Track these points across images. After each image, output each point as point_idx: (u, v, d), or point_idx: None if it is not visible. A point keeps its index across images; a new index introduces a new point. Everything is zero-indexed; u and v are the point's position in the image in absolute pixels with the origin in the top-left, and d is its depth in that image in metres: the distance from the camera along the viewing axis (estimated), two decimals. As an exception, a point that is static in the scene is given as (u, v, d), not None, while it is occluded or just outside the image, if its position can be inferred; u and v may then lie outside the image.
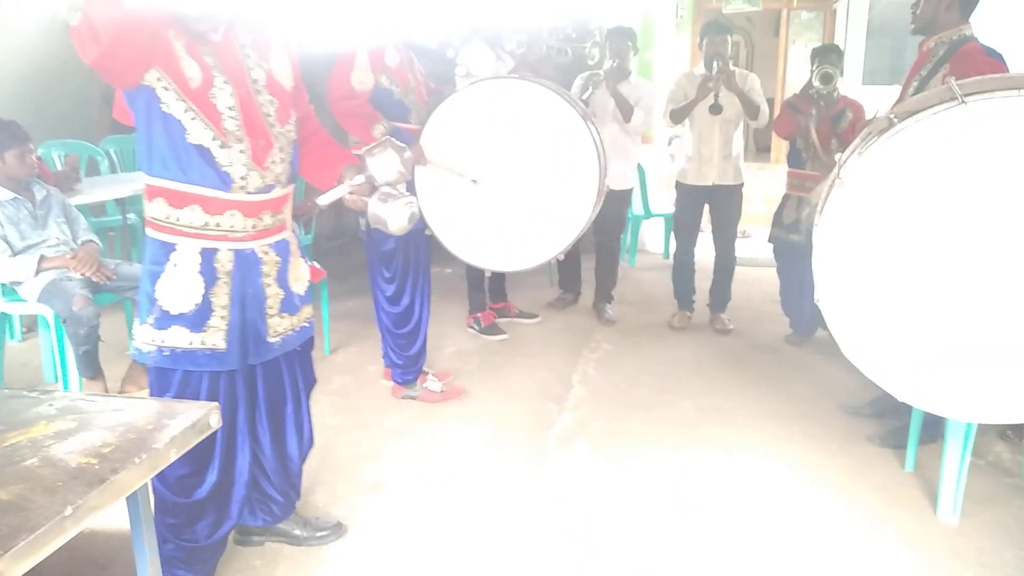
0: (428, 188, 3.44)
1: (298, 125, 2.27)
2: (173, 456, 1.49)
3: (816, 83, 4.01)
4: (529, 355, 4.30)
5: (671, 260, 4.94)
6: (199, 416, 1.57)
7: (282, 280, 2.23)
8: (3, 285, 3.61)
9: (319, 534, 2.54)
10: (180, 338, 2.06)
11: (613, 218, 4.72)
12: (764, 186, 6.85)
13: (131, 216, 4.97)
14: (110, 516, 1.41)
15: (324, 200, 2.31)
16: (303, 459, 2.49)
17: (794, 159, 4.28)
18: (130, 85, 1.90)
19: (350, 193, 2.26)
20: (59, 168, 4.83)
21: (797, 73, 7.65)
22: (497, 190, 3.42)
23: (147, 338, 2.08)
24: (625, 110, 4.50)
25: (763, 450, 3.16)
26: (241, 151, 2.02)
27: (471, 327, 4.63)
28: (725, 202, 4.59)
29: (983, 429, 2.77)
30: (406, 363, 3.64)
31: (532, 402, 3.67)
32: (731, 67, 4.25)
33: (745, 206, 4.73)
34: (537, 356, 4.29)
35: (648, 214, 6.38)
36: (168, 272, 2.04)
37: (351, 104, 3.19)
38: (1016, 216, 2.16)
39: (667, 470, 3.02)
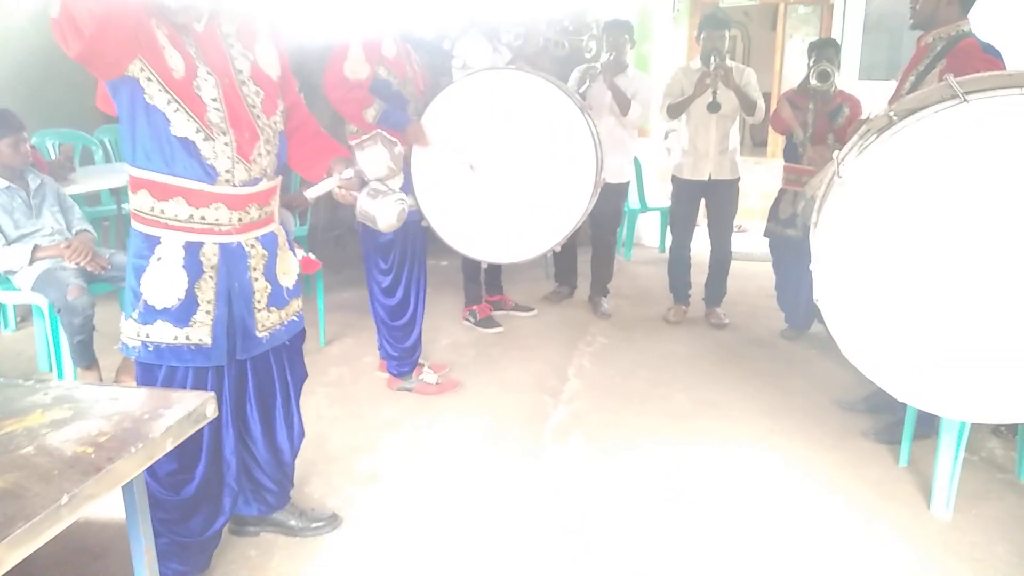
0: (425, 180, 3.43)
1: (286, 115, 2.24)
2: (169, 445, 1.49)
3: (814, 81, 4.01)
4: (525, 348, 4.31)
5: (667, 254, 4.94)
6: (195, 406, 1.57)
7: (270, 274, 2.21)
8: (-3, 274, 3.60)
9: (314, 525, 2.54)
10: (164, 333, 2.03)
11: (609, 211, 4.72)
12: (760, 181, 6.85)
13: (126, 206, 4.92)
14: (105, 506, 1.40)
15: (312, 194, 2.26)
16: (295, 452, 2.49)
17: (790, 154, 4.28)
18: (114, 76, 1.86)
19: (339, 187, 2.22)
20: (53, 157, 4.81)
21: (794, 67, 7.65)
22: (494, 182, 3.42)
23: (132, 332, 2.05)
24: (622, 103, 4.50)
25: (757, 444, 3.17)
26: (226, 144, 1.99)
27: (467, 320, 4.63)
28: (721, 197, 4.59)
29: (977, 425, 2.78)
30: (402, 355, 3.64)
31: (527, 395, 3.67)
32: (728, 62, 4.25)
33: (741, 201, 4.74)
34: (533, 349, 4.29)
35: (644, 208, 6.38)
36: (152, 266, 2.01)
37: (343, 92, 3.19)
38: (1016, 216, 2.14)
39: (662, 463, 3.03)
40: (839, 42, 5.24)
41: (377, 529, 2.59)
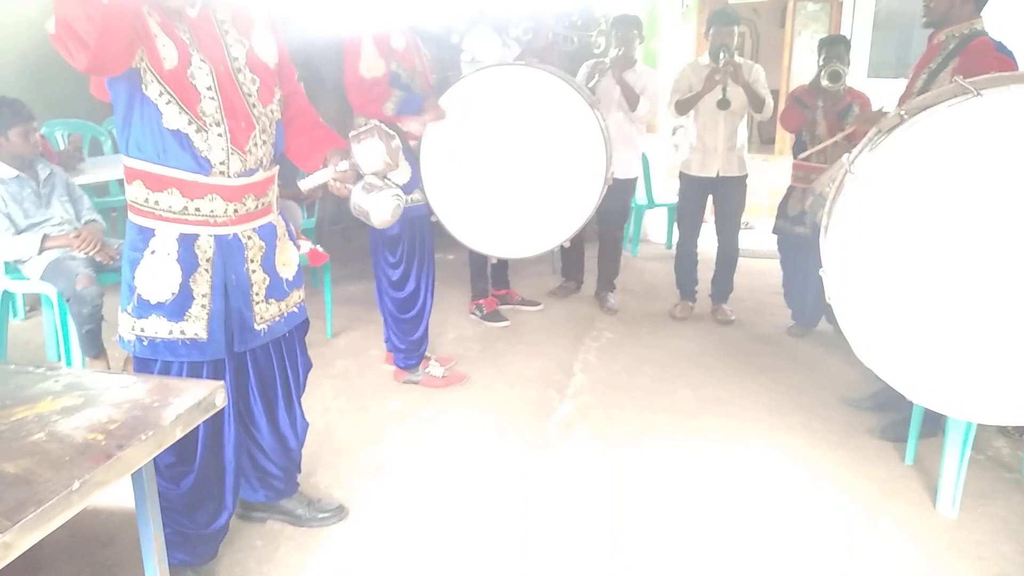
0: (434, 174, 3.43)
1: (283, 104, 2.20)
2: (179, 434, 1.50)
3: (825, 82, 3.98)
4: (531, 342, 4.31)
5: (674, 250, 4.94)
6: (205, 394, 1.58)
7: (268, 265, 2.18)
8: (6, 263, 3.62)
9: (321, 516, 2.55)
10: (159, 327, 2.01)
11: (617, 207, 4.71)
12: (768, 178, 6.85)
13: (134, 197, 4.96)
14: (112, 494, 1.41)
15: (306, 185, 2.23)
16: (300, 441, 2.49)
17: (800, 151, 4.26)
18: (122, 72, 1.82)
19: (334, 180, 2.17)
20: (63, 147, 4.83)
21: (802, 65, 7.63)
22: (503, 177, 3.42)
23: (127, 326, 2.04)
24: (631, 98, 4.49)
25: (763, 441, 3.17)
26: (219, 134, 1.95)
27: (473, 313, 4.64)
28: (729, 193, 4.59)
29: (983, 424, 2.77)
30: (409, 348, 3.65)
31: (533, 389, 3.68)
32: (736, 59, 4.24)
33: (748, 197, 4.72)
34: (539, 343, 4.29)
35: (651, 203, 6.37)
36: (146, 259, 1.99)
37: (363, 93, 3.18)
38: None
39: (666, 459, 3.03)
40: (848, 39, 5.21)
41: (382, 521, 2.60)
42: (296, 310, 2.33)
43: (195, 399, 1.55)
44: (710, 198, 4.66)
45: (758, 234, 6.45)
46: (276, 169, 2.19)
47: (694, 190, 4.63)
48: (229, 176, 2.00)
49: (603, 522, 2.61)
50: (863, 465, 2.98)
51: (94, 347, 3.49)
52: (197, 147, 1.93)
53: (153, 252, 1.98)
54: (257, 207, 2.11)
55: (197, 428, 2.03)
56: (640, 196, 6.07)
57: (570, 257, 5.17)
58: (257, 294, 2.15)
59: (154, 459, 1.50)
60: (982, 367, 2.26)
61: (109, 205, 5.08)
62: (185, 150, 1.92)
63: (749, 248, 5.21)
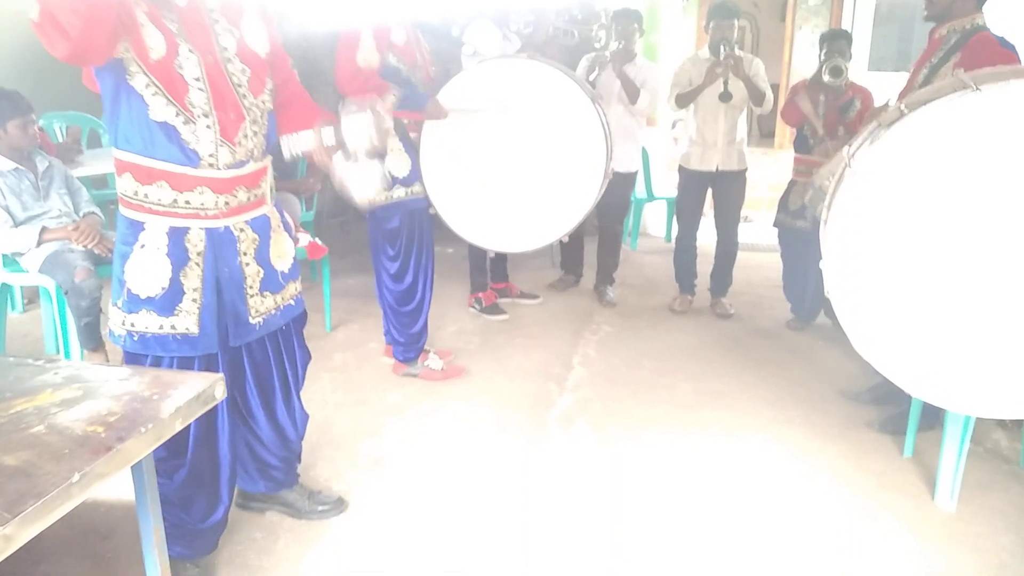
0: (433, 167, 3.42)
1: (278, 91, 2.17)
2: (178, 426, 1.50)
3: (827, 77, 3.96)
4: (530, 336, 4.31)
5: (673, 244, 4.94)
6: (204, 387, 1.58)
7: (262, 258, 2.15)
8: (5, 256, 3.61)
9: (320, 508, 2.55)
10: (149, 322, 1.99)
11: (617, 200, 4.70)
12: (767, 172, 6.84)
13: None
14: (111, 487, 1.41)
15: (288, 149, 2.17)
16: (300, 434, 2.49)
17: (801, 145, 4.26)
18: (102, 63, 1.80)
19: (317, 149, 2.11)
20: (61, 140, 4.82)
21: (803, 59, 7.61)
22: (503, 170, 3.41)
23: (118, 320, 2.01)
24: (631, 92, 4.48)
25: (762, 434, 3.17)
26: (208, 126, 1.92)
27: (472, 307, 4.64)
28: (728, 187, 4.58)
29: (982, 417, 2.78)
30: (408, 341, 3.65)
31: (532, 382, 3.68)
32: (737, 52, 4.23)
33: (748, 191, 4.72)
34: (538, 337, 4.29)
35: (651, 197, 6.37)
36: (135, 254, 1.96)
37: (360, 82, 3.17)
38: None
39: (666, 452, 3.03)
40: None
41: (381, 514, 2.60)
42: (293, 302, 2.30)
43: (195, 391, 1.55)
44: (709, 192, 4.66)
45: (757, 228, 6.45)
46: (268, 160, 2.16)
47: (693, 184, 4.62)
48: (219, 168, 1.97)
49: (602, 515, 2.61)
50: (862, 458, 2.98)
51: (93, 340, 3.48)
52: (185, 139, 1.90)
53: (143, 246, 1.96)
54: (249, 199, 2.08)
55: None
56: (639, 190, 6.06)
57: (569, 251, 5.17)
58: (251, 287, 2.13)
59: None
60: (981, 361, 2.26)
61: (108, 198, 5.06)
62: (173, 142, 1.89)
63: (748, 242, 5.21)
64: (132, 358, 2.04)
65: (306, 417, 2.49)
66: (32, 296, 4.55)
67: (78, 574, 2.28)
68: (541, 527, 2.54)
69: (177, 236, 1.97)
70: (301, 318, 2.38)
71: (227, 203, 2.02)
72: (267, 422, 2.35)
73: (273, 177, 2.23)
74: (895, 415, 3.14)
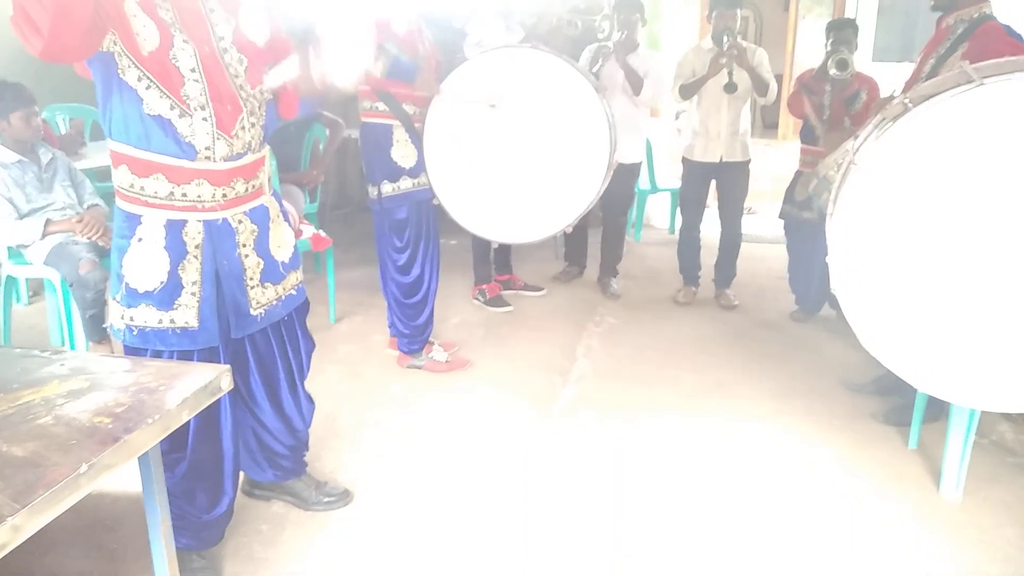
0: (437, 158, 3.41)
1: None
2: (185, 417, 1.50)
3: (832, 71, 3.92)
4: (534, 328, 4.31)
5: (676, 235, 4.93)
6: (211, 378, 1.58)
7: (262, 249, 2.13)
8: (9, 248, 3.61)
9: (326, 499, 2.55)
10: (148, 316, 1.97)
11: (621, 192, 4.69)
12: (771, 163, 6.81)
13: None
14: (118, 478, 1.41)
15: (271, 80, 2.09)
16: (307, 423, 2.48)
17: (807, 136, 4.24)
18: (83, 58, 1.77)
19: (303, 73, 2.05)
20: (64, 131, 4.82)
21: (806, 49, 7.57)
22: (506, 161, 3.40)
23: (117, 315, 2.00)
24: (635, 82, 4.47)
25: (766, 425, 3.17)
26: (204, 119, 1.89)
27: (476, 299, 4.64)
28: (732, 179, 4.57)
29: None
30: (413, 333, 3.65)
31: (536, 374, 3.68)
32: (740, 42, 4.21)
33: (752, 183, 4.70)
34: (542, 329, 4.29)
35: (654, 188, 6.35)
36: (133, 247, 1.94)
37: None
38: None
39: (670, 443, 3.03)
40: (853, 23, 5.17)
41: (385, 505, 2.61)
42: (294, 292, 2.28)
43: (201, 382, 1.55)
44: (713, 183, 4.64)
45: (761, 219, 6.44)
46: (266, 150, 2.14)
47: (697, 175, 4.61)
48: (216, 161, 1.95)
49: (606, 505, 2.61)
50: (866, 449, 2.98)
51: (98, 332, 3.48)
52: (181, 132, 1.88)
53: (140, 240, 1.94)
54: (247, 190, 2.06)
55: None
56: (643, 181, 6.05)
57: (573, 242, 5.16)
58: (251, 279, 2.11)
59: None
60: (986, 355, 2.26)
61: (111, 190, 5.03)
62: (168, 136, 1.87)
63: (752, 233, 5.20)
64: (132, 352, 2.03)
65: (312, 406, 2.49)
66: (37, 288, 4.55)
67: (84, 565, 2.29)
68: (545, 519, 2.54)
69: (175, 229, 1.95)
70: (303, 307, 2.37)
71: (225, 195, 2.00)
72: (273, 412, 2.34)
73: (275, 169, 2.21)
74: (899, 406, 3.14)
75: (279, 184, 4.14)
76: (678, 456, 2.94)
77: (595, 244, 5.07)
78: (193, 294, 2.00)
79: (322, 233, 4.15)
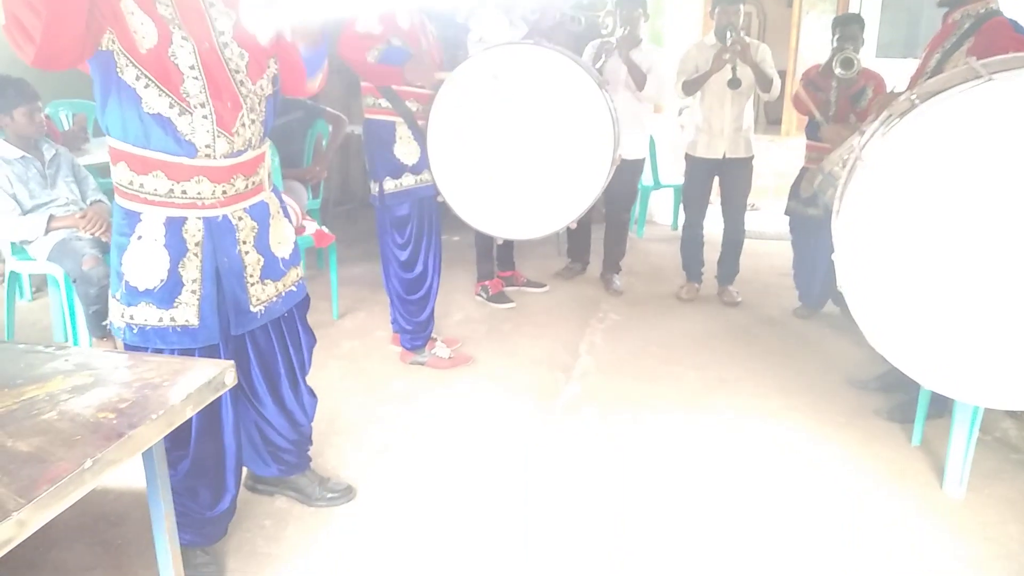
0: (440, 155, 3.41)
1: (278, 78, 2.10)
2: (189, 412, 1.50)
3: (838, 70, 3.90)
4: (537, 324, 4.31)
5: (679, 232, 4.92)
6: (215, 373, 1.58)
7: (262, 245, 2.11)
8: (13, 244, 3.62)
9: (330, 495, 2.56)
10: (148, 315, 1.96)
11: (624, 188, 4.69)
12: (774, 159, 6.79)
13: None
14: (121, 474, 1.41)
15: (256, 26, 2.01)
16: (310, 417, 2.49)
17: (812, 131, 4.22)
18: (76, 63, 1.74)
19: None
20: (67, 127, 4.82)
21: (810, 45, 7.55)
22: (510, 158, 3.39)
23: (117, 313, 1.99)
24: (638, 78, 4.46)
25: (769, 422, 3.17)
26: (204, 116, 1.87)
27: (479, 295, 4.63)
28: (735, 175, 4.56)
29: (991, 406, 2.77)
30: (415, 329, 3.65)
31: (539, 370, 3.68)
32: (743, 38, 4.20)
33: (755, 179, 4.70)
34: (544, 325, 4.29)
35: (657, 185, 6.34)
36: (132, 245, 1.92)
37: (356, 42, 3.14)
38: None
39: (672, 439, 3.03)
40: (857, 18, 5.15)
41: (388, 501, 2.61)
42: (295, 288, 2.27)
43: (205, 378, 1.55)
44: (716, 180, 4.64)
45: (764, 215, 6.43)
46: (267, 146, 2.12)
47: (700, 172, 4.60)
48: (216, 158, 1.93)
49: (609, 501, 2.61)
50: (870, 446, 2.98)
51: (101, 328, 3.48)
52: (181, 131, 1.86)
53: (140, 237, 1.93)
54: (247, 187, 2.04)
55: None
56: (646, 177, 6.03)
57: (576, 239, 5.16)
58: (251, 276, 2.10)
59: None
60: (991, 352, 2.25)
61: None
62: (168, 134, 1.85)
63: (755, 230, 5.20)
64: (132, 351, 2.01)
65: (315, 400, 2.49)
66: (40, 284, 4.56)
67: (88, 560, 2.29)
68: (547, 515, 2.54)
69: (174, 226, 1.94)
70: (304, 303, 2.36)
71: (225, 192, 1.99)
72: (275, 407, 2.34)
73: (278, 165, 2.20)
74: (903, 403, 3.13)
75: (282, 180, 4.14)
76: (681, 452, 2.94)
77: (598, 240, 5.07)
78: (193, 292, 1.99)
79: (325, 229, 4.15)
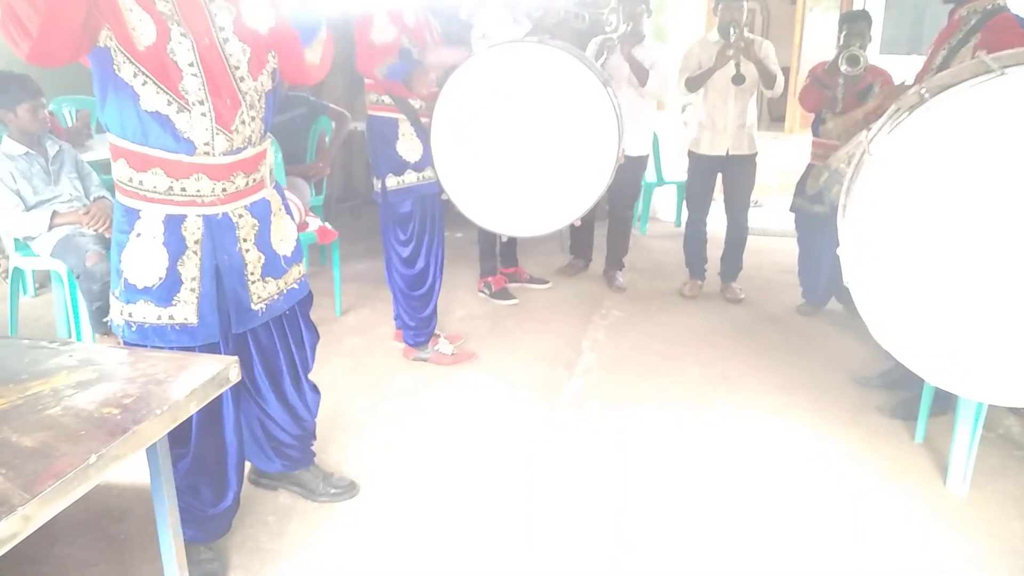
0: (445, 152, 3.40)
1: (279, 74, 2.08)
2: (193, 408, 1.50)
3: (844, 67, 3.88)
4: (539, 320, 4.31)
5: (683, 228, 4.92)
6: (218, 369, 1.57)
7: (263, 243, 2.10)
8: (16, 240, 3.62)
9: (333, 491, 2.56)
10: (147, 313, 1.95)
11: (628, 185, 4.68)
12: (778, 156, 6.78)
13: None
14: (125, 469, 1.41)
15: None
16: (313, 413, 2.49)
17: (818, 129, 4.21)
18: (72, 60, 1.74)
19: None
20: (71, 124, 4.82)
21: (814, 42, 7.52)
22: (514, 155, 3.39)
23: (116, 310, 1.98)
24: (640, 75, 4.45)
25: (772, 418, 3.17)
26: (203, 114, 1.85)
27: (482, 291, 4.63)
28: (738, 172, 4.55)
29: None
30: (418, 325, 3.65)
31: (542, 367, 3.68)
32: (746, 34, 4.19)
33: (758, 176, 4.68)
34: (547, 322, 4.29)
35: (661, 181, 6.33)
36: (132, 243, 1.92)
37: (373, 56, 3.15)
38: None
39: (675, 436, 3.03)
40: (861, 15, 5.13)
41: (391, 497, 2.61)
42: (296, 286, 2.26)
43: (210, 374, 1.55)
44: (719, 176, 4.63)
45: (767, 212, 6.42)
46: (268, 142, 2.10)
47: (703, 169, 4.59)
48: (215, 156, 1.92)
49: (611, 497, 2.61)
50: (873, 443, 2.98)
51: (104, 324, 3.49)
52: (179, 128, 1.84)
53: (139, 235, 1.92)
54: (247, 184, 2.03)
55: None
56: (649, 174, 6.03)
57: (579, 235, 5.15)
58: (252, 274, 2.08)
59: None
60: (996, 349, 2.25)
61: (117, 182, 5.08)
62: (166, 131, 1.84)
63: (758, 227, 5.19)
64: (132, 348, 1.99)
65: (318, 395, 2.50)
66: (44, 280, 4.56)
67: (92, 556, 2.30)
68: (550, 511, 2.54)
69: (174, 224, 1.93)
70: (306, 300, 2.35)
71: (224, 189, 1.97)
72: (278, 403, 2.34)
73: (281, 161, 2.19)
74: (906, 400, 3.13)
75: (284, 176, 4.14)
76: (684, 449, 2.93)
77: (601, 237, 5.06)
78: (192, 290, 1.98)
79: (328, 226, 4.14)
